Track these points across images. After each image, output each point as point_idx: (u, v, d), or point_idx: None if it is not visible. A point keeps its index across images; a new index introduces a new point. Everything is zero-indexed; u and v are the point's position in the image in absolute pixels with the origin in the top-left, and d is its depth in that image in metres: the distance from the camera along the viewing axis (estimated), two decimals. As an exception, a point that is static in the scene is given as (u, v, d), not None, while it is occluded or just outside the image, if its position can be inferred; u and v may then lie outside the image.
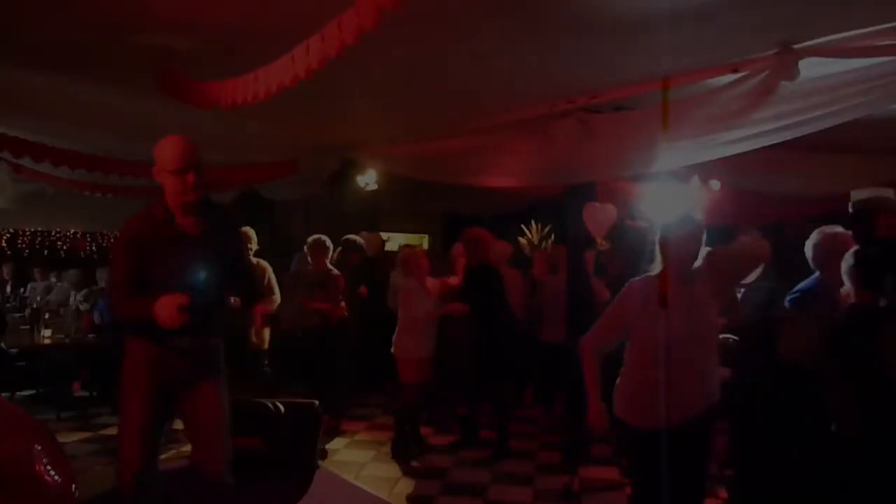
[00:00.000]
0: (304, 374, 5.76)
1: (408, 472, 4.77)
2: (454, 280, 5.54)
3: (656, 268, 2.89)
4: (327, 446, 5.24)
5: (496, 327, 5.14)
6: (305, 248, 5.92)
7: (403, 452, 5.02)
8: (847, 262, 2.76)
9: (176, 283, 2.63)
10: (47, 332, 6.24)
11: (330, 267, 5.78)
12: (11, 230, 10.40)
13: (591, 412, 2.86)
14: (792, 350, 3.03)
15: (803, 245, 3.34)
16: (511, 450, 5.18)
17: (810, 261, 3.28)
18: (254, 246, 5.75)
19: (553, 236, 9.49)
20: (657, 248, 2.90)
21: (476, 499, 4.26)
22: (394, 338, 5.09)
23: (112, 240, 11.02)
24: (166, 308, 2.48)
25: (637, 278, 2.93)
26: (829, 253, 3.12)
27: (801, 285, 3.27)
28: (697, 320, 2.74)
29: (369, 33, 2.26)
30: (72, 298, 7.60)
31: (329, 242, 5.80)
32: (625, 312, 2.87)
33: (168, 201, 2.80)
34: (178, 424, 5.65)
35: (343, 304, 5.74)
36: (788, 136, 3.70)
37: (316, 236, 5.87)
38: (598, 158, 4.60)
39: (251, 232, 5.70)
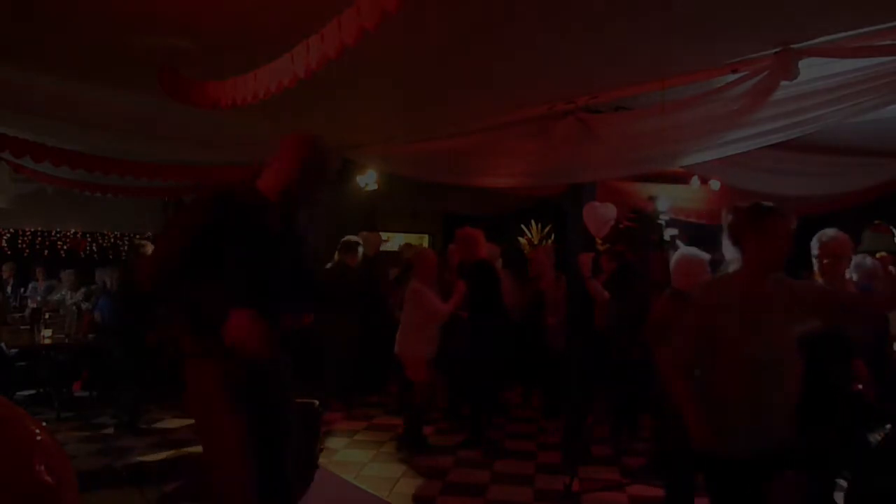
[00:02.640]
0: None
1: (408, 472, 4.77)
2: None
3: (733, 265, 2.55)
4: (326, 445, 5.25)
5: (492, 323, 5.15)
6: None
7: (409, 447, 5.03)
8: None
9: (255, 284, 2.29)
10: (47, 332, 6.24)
11: None
12: (11, 230, 10.40)
13: (697, 430, 2.35)
14: None
15: (803, 244, 3.35)
16: (502, 449, 5.18)
17: None
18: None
19: (553, 236, 9.51)
20: (732, 240, 2.48)
21: (476, 499, 4.26)
22: (398, 337, 5.08)
23: (113, 239, 11.03)
24: (247, 326, 2.11)
25: (712, 278, 2.60)
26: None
27: None
28: (779, 332, 2.32)
29: (369, 34, 2.27)
30: (69, 298, 7.60)
31: None
32: (705, 316, 2.42)
33: (266, 190, 2.41)
34: (172, 423, 5.70)
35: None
36: (788, 136, 3.71)
37: None
38: (598, 158, 4.61)
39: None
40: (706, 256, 3.78)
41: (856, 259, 3.30)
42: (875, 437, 2.33)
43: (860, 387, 2.43)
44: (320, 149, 2.45)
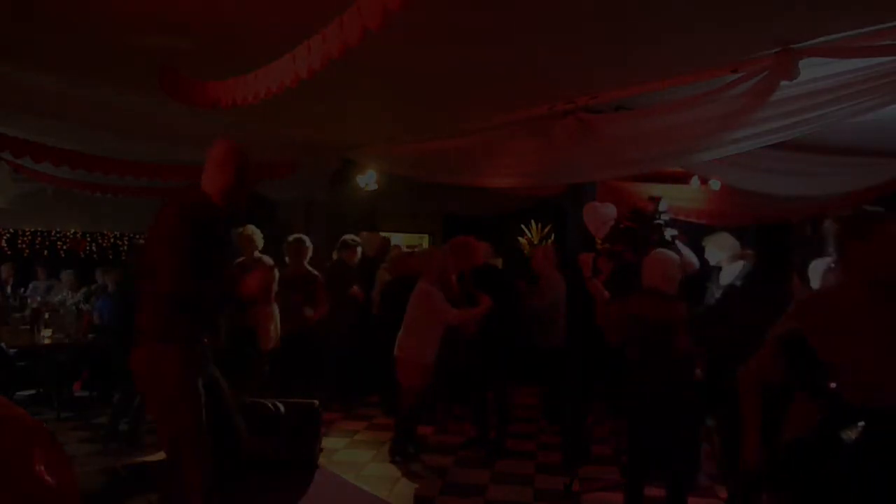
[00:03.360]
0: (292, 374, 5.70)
1: (408, 472, 4.77)
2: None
3: (833, 274, 2.47)
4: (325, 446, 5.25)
5: (505, 326, 5.13)
6: (284, 247, 5.76)
7: (401, 453, 5.02)
8: None
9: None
10: (47, 332, 6.24)
11: (309, 268, 5.66)
12: (11, 230, 10.40)
13: (748, 450, 2.39)
14: None
15: (803, 243, 3.37)
16: (507, 450, 5.18)
17: None
18: (258, 246, 5.64)
19: (553, 236, 9.51)
20: (837, 251, 2.33)
21: (476, 499, 4.26)
22: (399, 338, 5.01)
23: (113, 239, 11.02)
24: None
25: (817, 288, 2.48)
26: None
27: None
28: None
29: (371, 34, 2.26)
30: (69, 298, 7.60)
31: (309, 242, 5.63)
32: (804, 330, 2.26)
33: (213, 198, 2.89)
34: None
35: (321, 307, 5.65)
36: (788, 136, 3.71)
37: (297, 235, 5.72)
38: (598, 158, 4.61)
39: (255, 233, 5.60)
40: (676, 256, 3.84)
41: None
42: (848, 435, 2.31)
43: (833, 385, 2.40)
44: (246, 156, 2.89)
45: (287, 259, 5.72)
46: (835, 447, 2.24)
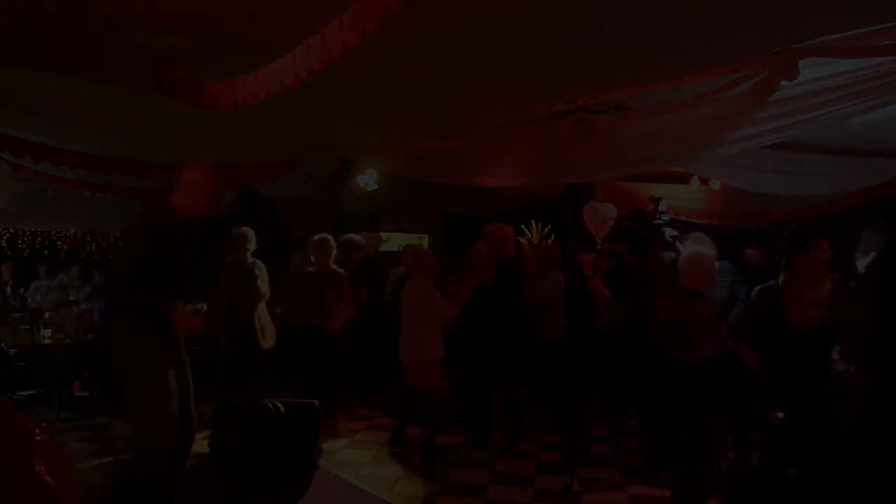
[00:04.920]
0: (301, 373, 5.75)
1: (408, 472, 4.77)
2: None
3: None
4: (324, 446, 5.24)
5: (517, 324, 5.13)
6: (309, 246, 5.90)
7: (437, 459, 4.96)
8: None
9: None
10: (47, 332, 6.24)
11: (334, 266, 5.77)
12: (11, 230, 10.40)
13: None
14: None
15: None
16: (507, 450, 5.18)
17: None
18: (251, 246, 5.79)
19: (553, 236, 9.51)
20: None
21: (476, 499, 4.26)
22: (402, 344, 4.99)
23: (113, 240, 11.04)
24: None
25: None
26: None
27: None
28: None
29: (371, 35, 2.26)
30: (72, 295, 7.60)
31: (333, 241, 5.82)
32: None
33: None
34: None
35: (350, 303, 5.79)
36: (789, 136, 3.71)
37: (322, 235, 5.85)
38: (598, 158, 4.61)
39: (249, 232, 5.76)
40: (714, 255, 3.79)
41: None
42: (791, 472, 2.33)
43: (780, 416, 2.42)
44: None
45: (312, 258, 5.84)
46: (778, 482, 2.25)
